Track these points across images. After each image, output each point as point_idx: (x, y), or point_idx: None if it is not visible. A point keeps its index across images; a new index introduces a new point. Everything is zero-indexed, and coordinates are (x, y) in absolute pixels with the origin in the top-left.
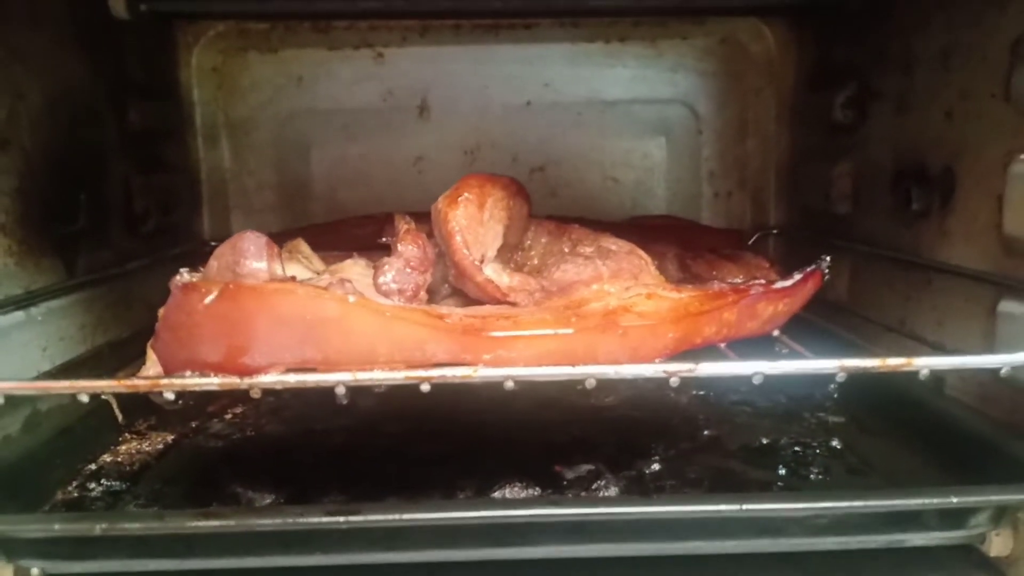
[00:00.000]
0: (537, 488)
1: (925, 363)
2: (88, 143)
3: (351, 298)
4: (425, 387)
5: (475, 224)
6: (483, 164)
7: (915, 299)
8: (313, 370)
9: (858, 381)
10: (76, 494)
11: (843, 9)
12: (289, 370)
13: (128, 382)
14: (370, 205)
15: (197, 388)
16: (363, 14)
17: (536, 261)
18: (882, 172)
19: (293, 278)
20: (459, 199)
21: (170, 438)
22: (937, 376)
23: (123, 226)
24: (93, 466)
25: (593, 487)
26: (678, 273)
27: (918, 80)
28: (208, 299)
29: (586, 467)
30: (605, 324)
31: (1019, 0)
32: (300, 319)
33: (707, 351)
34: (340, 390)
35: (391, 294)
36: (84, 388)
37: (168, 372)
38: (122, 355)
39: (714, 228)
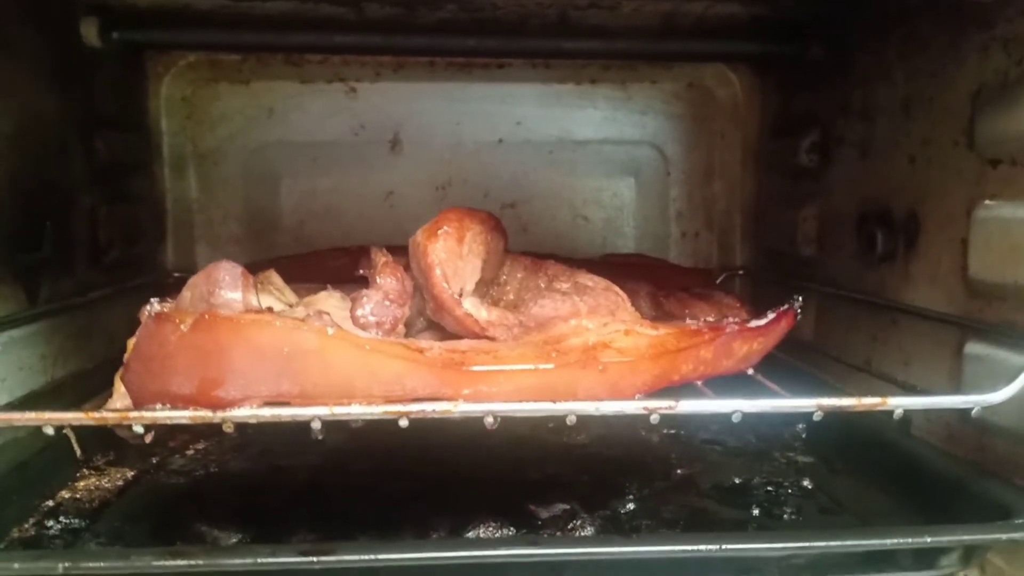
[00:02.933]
0: (512, 528)
1: (899, 403)
2: (55, 174)
3: (330, 330)
4: (403, 422)
5: (454, 258)
6: (454, 200)
7: (881, 339)
8: (287, 404)
9: (826, 421)
10: (33, 532)
11: (804, 59)
12: (264, 404)
13: (96, 414)
14: (339, 239)
15: (168, 422)
16: (337, 49)
17: (512, 296)
18: (847, 216)
19: (270, 309)
20: (438, 232)
21: (130, 474)
22: (904, 416)
23: (87, 256)
24: (51, 502)
25: (569, 527)
26: (651, 311)
27: (880, 128)
28: (182, 329)
29: (561, 506)
30: (585, 360)
31: (976, 55)
32: (277, 351)
33: (684, 389)
34: (316, 424)
35: (369, 327)
36: (50, 420)
37: (137, 404)
38: (84, 387)
39: (685, 267)
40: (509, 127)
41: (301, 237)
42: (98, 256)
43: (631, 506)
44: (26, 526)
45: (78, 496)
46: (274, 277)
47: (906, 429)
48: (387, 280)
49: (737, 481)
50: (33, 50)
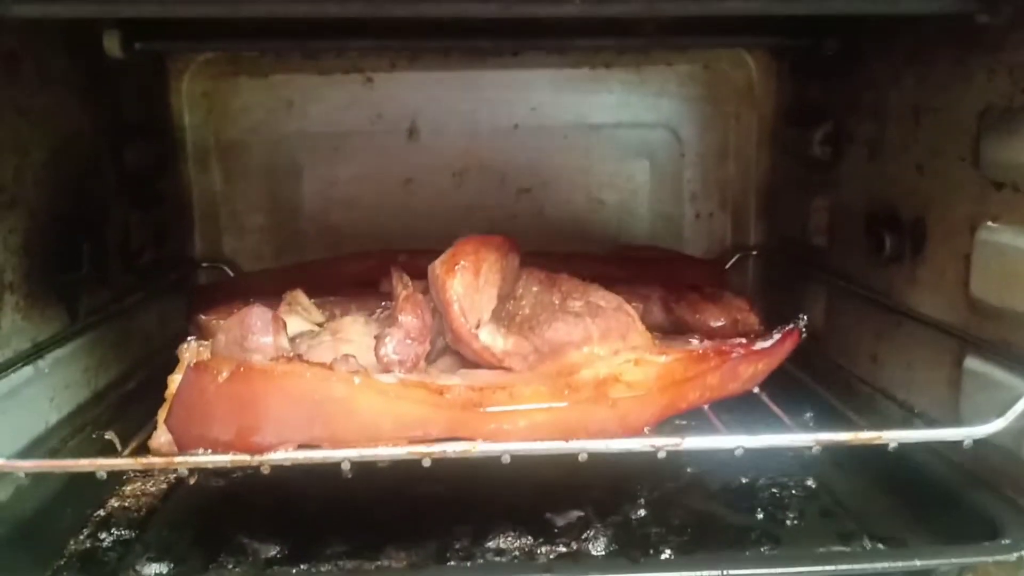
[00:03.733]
0: (529, 537)
1: (894, 436)
2: (89, 190)
3: (357, 379)
4: (426, 462)
5: (471, 291)
6: (471, 186)
7: (887, 338)
8: (319, 446)
9: (833, 415)
10: (88, 544)
11: (819, 51)
12: (297, 446)
13: (145, 460)
14: (361, 226)
15: (210, 466)
16: (356, 50)
17: (527, 311)
18: (857, 212)
19: (299, 356)
20: (455, 267)
21: (173, 476)
22: (907, 413)
23: (121, 264)
24: (102, 512)
25: (583, 537)
26: (663, 315)
27: (891, 131)
28: (220, 378)
29: (575, 513)
30: (596, 396)
31: (983, 75)
32: (309, 400)
33: (692, 413)
34: (345, 465)
35: (392, 365)
36: (103, 466)
37: (181, 447)
38: (124, 392)
39: (697, 259)
40: (524, 113)
41: (323, 225)
42: (131, 262)
43: (642, 512)
44: (81, 537)
45: (126, 504)
46: (301, 297)
47: (910, 423)
48: (408, 318)
49: (744, 481)
50: (62, 72)
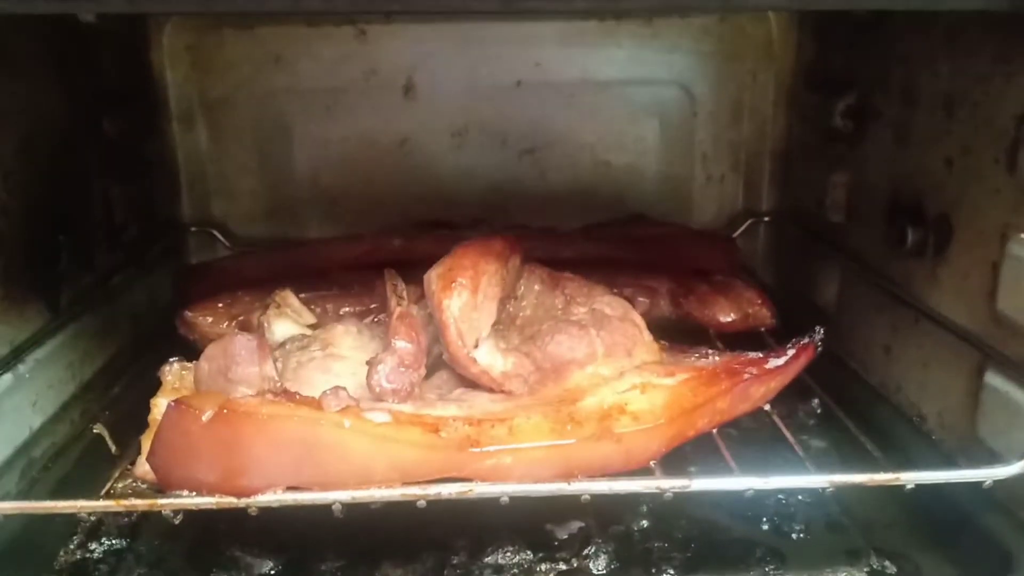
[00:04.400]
0: (529, 552)
1: (912, 478)
2: (65, 171)
3: (347, 422)
4: (422, 503)
5: (469, 310)
6: (471, 146)
7: (903, 332)
8: (308, 488)
9: (841, 407)
10: (78, 555)
11: (848, 14)
12: (286, 488)
13: (127, 503)
14: (356, 188)
15: (194, 507)
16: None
17: (528, 312)
18: (878, 196)
19: (286, 391)
20: (453, 286)
21: None
22: (920, 412)
23: (104, 244)
24: (92, 516)
25: (584, 553)
26: (670, 308)
27: (920, 116)
28: (203, 419)
29: (576, 524)
30: (600, 432)
31: None
32: (297, 443)
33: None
34: (336, 507)
35: (385, 394)
36: (84, 508)
37: (164, 487)
38: (112, 376)
39: (706, 235)
40: (528, 69)
41: (317, 187)
42: (115, 239)
43: (644, 523)
44: (71, 547)
45: (117, 509)
46: (291, 299)
47: (920, 426)
48: (402, 344)
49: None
50: (28, 53)
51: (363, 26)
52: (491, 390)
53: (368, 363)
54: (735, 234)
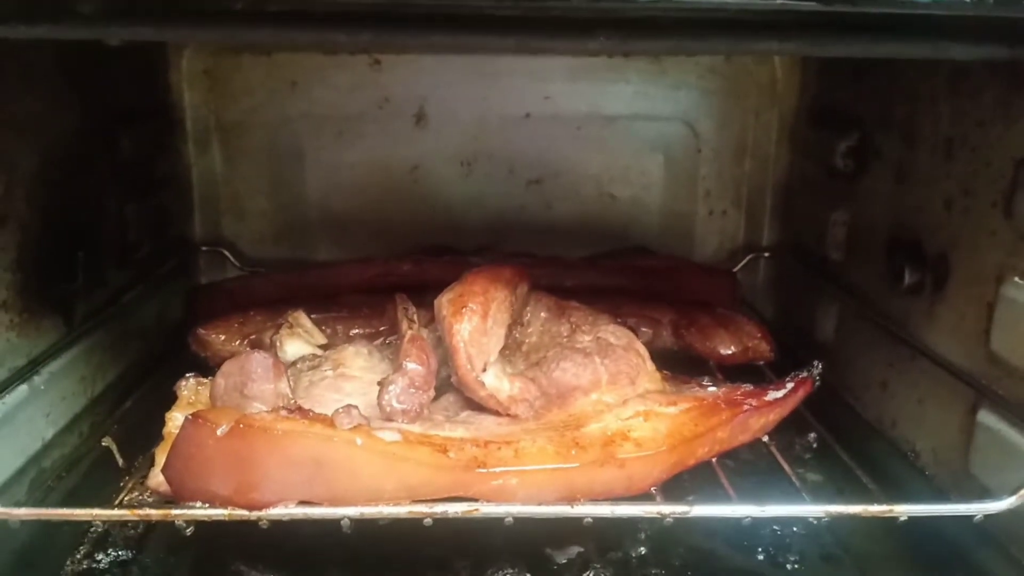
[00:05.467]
0: (528, 575)
1: (905, 510)
2: (81, 189)
3: (358, 439)
4: (428, 521)
5: (478, 335)
6: (479, 175)
7: (898, 368)
8: (319, 503)
9: (837, 441)
10: (85, 565)
11: (851, 57)
12: (297, 503)
13: (141, 512)
14: (365, 213)
15: (207, 519)
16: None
17: (534, 338)
18: (878, 235)
19: (300, 408)
20: (463, 311)
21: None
22: (915, 448)
23: (117, 261)
24: (99, 527)
25: None
26: (672, 339)
27: (920, 157)
28: (218, 433)
29: (575, 548)
30: (604, 457)
31: None
32: (309, 459)
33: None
34: (345, 523)
35: (395, 414)
36: (99, 516)
37: (178, 499)
38: (122, 392)
39: (709, 269)
40: (537, 101)
41: (327, 211)
42: (128, 255)
43: (642, 549)
44: (78, 557)
45: (131, 518)
46: (303, 319)
47: (914, 462)
48: (413, 366)
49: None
50: (48, 72)
51: (378, 56)
52: (497, 413)
53: (379, 384)
54: (736, 268)
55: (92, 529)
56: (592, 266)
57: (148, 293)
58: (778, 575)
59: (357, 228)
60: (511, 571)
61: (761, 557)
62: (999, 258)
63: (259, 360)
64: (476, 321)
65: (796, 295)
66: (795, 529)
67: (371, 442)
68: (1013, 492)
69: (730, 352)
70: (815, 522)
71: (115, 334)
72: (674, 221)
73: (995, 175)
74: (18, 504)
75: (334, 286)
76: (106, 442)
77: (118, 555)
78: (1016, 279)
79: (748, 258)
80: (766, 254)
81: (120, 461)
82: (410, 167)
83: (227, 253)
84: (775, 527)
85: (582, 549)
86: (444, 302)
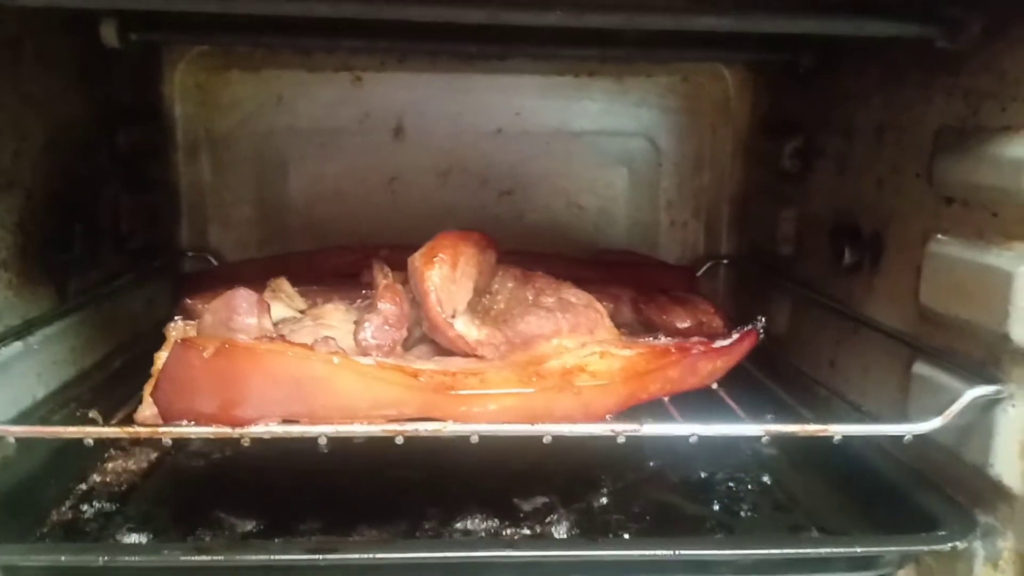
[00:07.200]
0: (496, 520)
1: (838, 430)
2: (83, 172)
3: (336, 359)
4: (399, 440)
5: (448, 283)
6: (454, 186)
7: (844, 344)
8: (298, 422)
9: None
10: (70, 515)
11: (795, 66)
12: (277, 421)
13: (131, 429)
14: (345, 221)
15: (193, 436)
16: (346, 48)
17: (502, 305)
18: (822, 224)
19: (282, 336)
20: (434, 259)
21: (153, 455)
22: (860, 415)
23: (111, 245)
24: (84, 486)
25: (547, 520)
26: (632, 315)
27: (856, 147)
28: (205, 355)
29: (541, 499)
30: (562, 384)
31: (942, 98)
32: (289, 377)
33: (654, 411)
34: (322, 440)
35: (370, 349)
36: (91, 434)
37: (165, 420)
38: (109, 372)
39: (669, 265)
40: (508, 117)
41: (309, 219)
42: (121, 244)
43: (604, 500)
44: (63, 509)
45: (108, 479)
46: (285, 285)
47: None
48: (387, 306)
49: (703, 475)
50: (60, 57)
51: (359, 72)
52: (466, 356)
53: (355, 322)
54: (698, 275)
55: (77, 487)
56: (558, 257)
57: (138, 282)
58: (733, 521)
59: (338, 236)
60: (479, 516)
61: (716, 507)
62: (925, 223)
63: (244, 295)
64: (446, 269)
65: (753, 295)
66: (750, 487)
67: (347, 362)
68: (939, 414)
69: (686, 325)
70: (767, 481)
71: (105, 313)
72: (639, 231)
73: (917, 150)
74: (6, 460)
75: (315, 270)
76: (92, 414)
77: (102, 507)
78: (939, 236)
79: (708, 265)
80: (725, 261)
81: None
82: (389, 178)
83: (212, 259)
84: (730, 484)
85: (547, 499)
86: (416, 256)
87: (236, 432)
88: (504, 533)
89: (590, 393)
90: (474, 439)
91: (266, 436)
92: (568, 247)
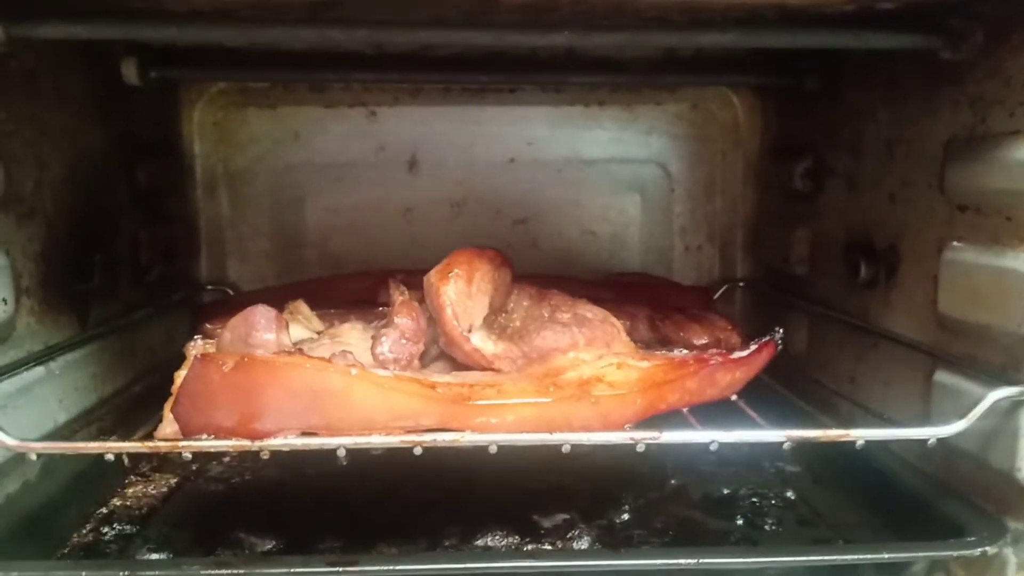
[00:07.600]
0: (516, 537)
1: (861, 434)
2: (102, 204)
3: (353, 371)
4: (417, 450)
5: (463, 297)
6: (469, 216)
7: (864, 360)
8: (316, 434)
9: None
10: (91, 537)
11: (800, 89)
12: (296, 434)
13: (151, 444)
14: (361, 253)
15: (212, 450)
16: (360, 82)
17: (518, 323)
18: (835, 242)
19: (300, 350)
20: (449, 275)
21: (173, 481)
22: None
23: (130, 277)
24: (104, 509)
25: (568, 536)
26: (648, 333)
27: (866, 163)
28: (225, 369)
29: (561, 516)
30: (580, 393)
31: (948, 108)
32: (308, 390)
33: (671, 415)
34: (341, 452)
35: (388, 363)
36: (113, 449)
37: (185, 433)
38: (129, 400)
39: (684, 286)
40: (520, 147)
41: (325, 252)
42: (140, 276)
43: (626, 516)
44: (84, 531)
45: (128, 503)
46: (302, 307)
47: (885, 444)
48: (403, 320)
49: (725, 492)
50: (81, 92)
51: (373, 107)
52: (483, 369)
53: (372, 337)
54: (714, 298)
55: (98, 511)
56: (573, 279)
57: (158, 314)
58: (757, 535)
59: (353, 267)
60: (500, 533)
61: (740, 522)
62: (939, 232)
63: (262, 312)
64: (461, 284)
65: (770, 317)
66: (773, 502)
67: (365, 373)
68: (962, 417)
69: (703, 342)
70: (791, 496)
71: (125, 343)
72: (653, 256)
73: (928, 160)
74: (27, 482)
75: (332, 296)
76: (113, 439)
77: (123, 529)
78: (954, 243)
79: (724, 288)
80: (740, 283)
81: (126, 459)
82: (404, 209)
83: (230, 292)
84: (754, 499)
85: (568, 516)
86: (432, 273)
87: (256, 445)
88: (525, 549)
89: (608, 403)
90: (492, 449)
91: (285, 448)
92: (583, 273)
